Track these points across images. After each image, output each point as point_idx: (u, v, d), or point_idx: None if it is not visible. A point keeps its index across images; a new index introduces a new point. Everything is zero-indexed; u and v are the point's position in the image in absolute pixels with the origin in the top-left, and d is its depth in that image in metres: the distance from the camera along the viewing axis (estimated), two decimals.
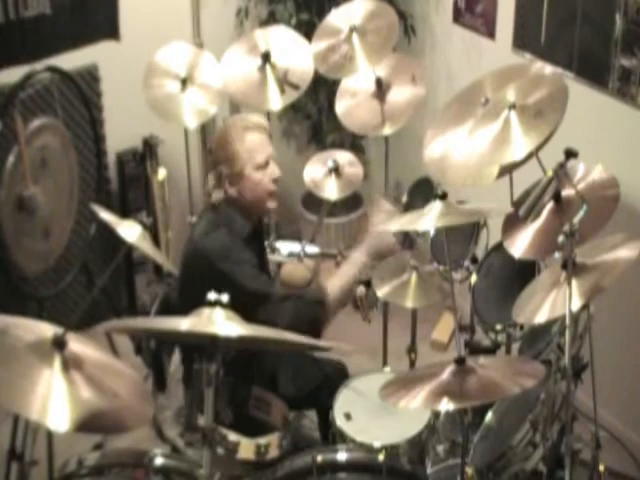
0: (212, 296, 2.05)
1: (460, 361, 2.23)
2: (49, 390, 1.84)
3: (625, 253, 2.32)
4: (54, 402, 1.83)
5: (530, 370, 2.25)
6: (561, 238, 2.29)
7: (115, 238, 2.26)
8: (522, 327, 3.05)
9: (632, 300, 3.41)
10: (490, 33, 3.94)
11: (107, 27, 4.04)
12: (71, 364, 1.92)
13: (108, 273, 2.34)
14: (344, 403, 2.95)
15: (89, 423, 1.85)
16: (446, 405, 2.13)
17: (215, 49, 3.82)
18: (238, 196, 2.89)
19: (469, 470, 2.53)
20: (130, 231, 2.26)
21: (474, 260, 3.35)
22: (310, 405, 3.23)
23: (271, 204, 2.98)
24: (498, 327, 3.09)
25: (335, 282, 2.92)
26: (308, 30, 3.85)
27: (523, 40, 3.75)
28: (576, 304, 2.23)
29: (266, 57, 3.52)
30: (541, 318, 2.33)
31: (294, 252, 3.54)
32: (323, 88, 4.24)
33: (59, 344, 1.93)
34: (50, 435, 2.92)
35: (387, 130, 3.39)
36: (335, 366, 3.23)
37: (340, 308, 2.92)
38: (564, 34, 3.54)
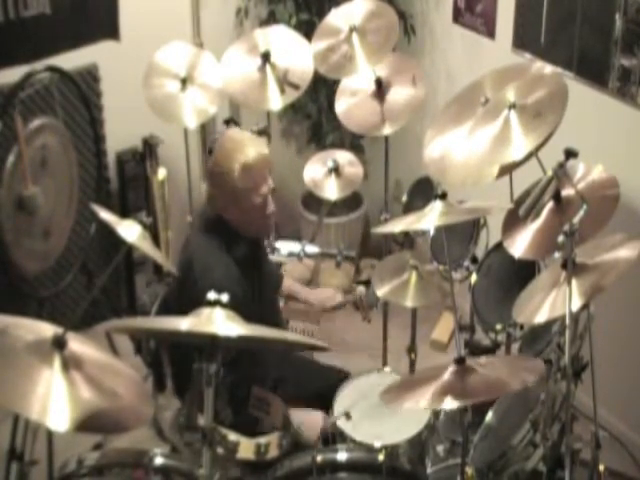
0: (212, 296, 2.05)
1: (460, 361, 2.23)
2: (49, 390, 1.84)
3: (625, 253, 2.32)
4: (54, 402, 1.82)
5: (530, 366, 2.26)
6: (561, 238, 2.29)
7: (115, 238, 2.25)
8: (522, 327, 3.06)
9: (632, 300, 3.41)
10: (490, 33, 3.94)
11: (107, 27, 4.04)
12: (71, 364, 1.92)
13: (108, 273, 2.33)
14: (344, 403, 2.95)
15: (89, 423, 1.85)
16: (449, 403, 2.13)
17: (215, 49, 3.82)
18: (230, 220, 2.85)
19: (469, 470, 2.53)
20: (130, 231, 2.25)
21: (474, 260, 3.35)
22: (310, 405, 3.22)
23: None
24: (498, 327, 3.09)
25: None
26: (308, 30, 3.85)
27: (523, 40, 3.75)
28: (576, 304, 2.23)
29: (266, 57, 3.52)
30: (541, 318, 2.33)
31: (294, 252, 3.54)
32: (323, 88, 4.24)
33: (59, 344, 1.92)
34: (50, 435, 2.92)
35: (387, 130, 3.39)
36: (339, 376, 3.19)
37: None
38: (564, 34, 3.54)
